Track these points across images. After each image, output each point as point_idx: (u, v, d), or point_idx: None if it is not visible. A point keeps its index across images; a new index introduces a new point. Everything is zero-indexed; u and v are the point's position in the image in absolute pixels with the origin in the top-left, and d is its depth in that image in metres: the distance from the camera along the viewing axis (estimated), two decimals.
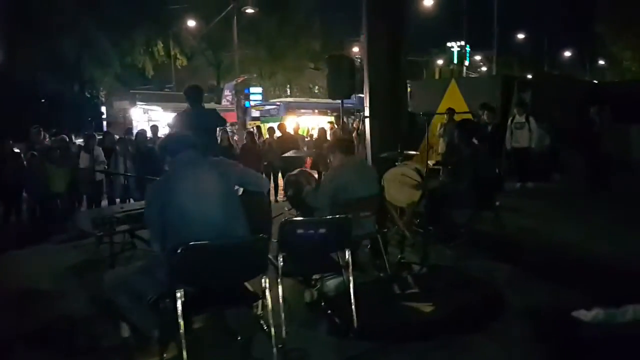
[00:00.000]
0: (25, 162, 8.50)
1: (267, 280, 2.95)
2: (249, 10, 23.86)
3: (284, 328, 3.30)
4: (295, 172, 4.99)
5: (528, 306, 3.89)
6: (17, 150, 8.64)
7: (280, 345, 3.21)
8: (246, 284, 3.05)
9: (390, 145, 6.28)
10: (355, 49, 30.76)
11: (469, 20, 38.87)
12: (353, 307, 3.49)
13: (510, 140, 9.81)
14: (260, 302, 3.62)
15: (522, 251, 5.31)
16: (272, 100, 20.95)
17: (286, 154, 7.16)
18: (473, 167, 5.39)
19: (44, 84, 25.07)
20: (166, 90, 26.17)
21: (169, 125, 6.16)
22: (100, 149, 8.86)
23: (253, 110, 21.65)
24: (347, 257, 3.49)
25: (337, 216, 3.47)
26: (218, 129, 12.18)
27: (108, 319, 3.51)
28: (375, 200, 4.41)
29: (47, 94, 25.56)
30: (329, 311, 3.86)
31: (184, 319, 2.70)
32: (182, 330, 2.67)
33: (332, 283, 4.26)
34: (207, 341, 3.35)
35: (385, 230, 5.07)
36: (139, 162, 8.66)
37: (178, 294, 2.66)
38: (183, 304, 2.68)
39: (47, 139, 9.42)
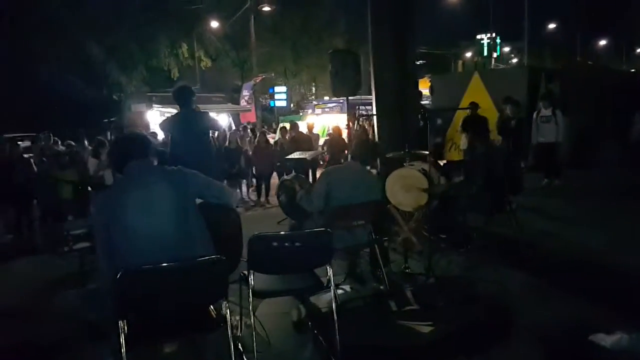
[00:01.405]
0: (35, 168, 8.42)
1: (227, 306, 2.62)
2: (266, 8, 23.61)
3: (255, 354, 2.98)
4: (289, 176, 4.67)
5: (540, 326, 3.46)
6: (27, 155, 8.56)
7: None
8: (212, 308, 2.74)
9: (398, 144, 5.89)
10: None
11: (499, 11, 37.84)
12: (336, 328, 3.12)
13: (536, 135, 9.24)
14: (238, 324, 3.36)
15: (539, 259, 4.84)
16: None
17: (289, 156, 6.83)
18: (486, 166, 4.95)
19: (73, 87, 25.58)
20: None
21: (160, 127, 5.89)
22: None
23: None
24: (329, 274, 3.13)
25: (316, 229, 3.10)
26: (225, 130, 12.11)
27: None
28: (371, 208, 4.03)
29: (76, 96, 26.08)
30: (315, 331, 3.51)
31: (136, 347, 2.42)
32: None
33: (322, 299, 3.90)
34: None
35: (386, 238, 4.68)
36: None
37: (120, 325, 2.36)
38: (132, 332, 2.39)
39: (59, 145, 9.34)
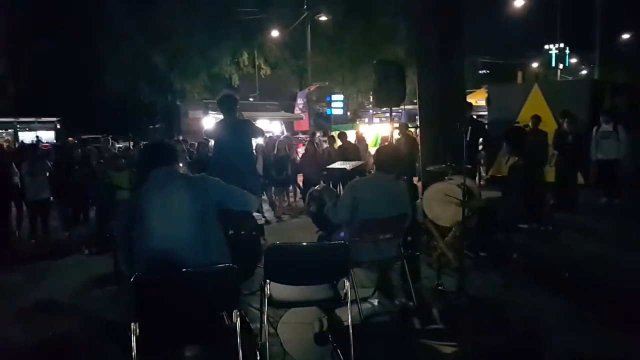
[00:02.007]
0: (93, 170, 8.85)
1: (238, 314, 2.63)
2: (323, 18, 23.84)
3: None
4: (318, 187, 4.66)
5: (569, 353, 3.26)
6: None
7: None
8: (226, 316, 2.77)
9: (440, 157, 5.75)
10: None
11: (569, 20, 36.18)
12: (351, 342, 3.08)
13: (595, 151, 8.77)
14: (260, 331, 3.37)
15: (582, 284, 4.54)
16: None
17: (330, 166, 6.82)
18: (524, 178, 4.74)
19: (141, 94, 26.93)
20: (250, 99, 26.81)
21: (205, 134, 6.06)
22: None
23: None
24: (346, 287, 3.09)
25: (333, 242, 3.07)
26: (275, 137, 12.24)
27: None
28: (399, 222, 3.94)
29: (143, 103, 27.42)
30: (334, 344, 3.47)
31: (146, 351, 2.49)
32: None
33: (346, 312, 3.85)
34: None
35: (418, 253, 4.57)
36: (195, 169, 8.72)
37: (132, 328, 2.43)
38: (145, 336, 2.46)
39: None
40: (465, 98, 7.33)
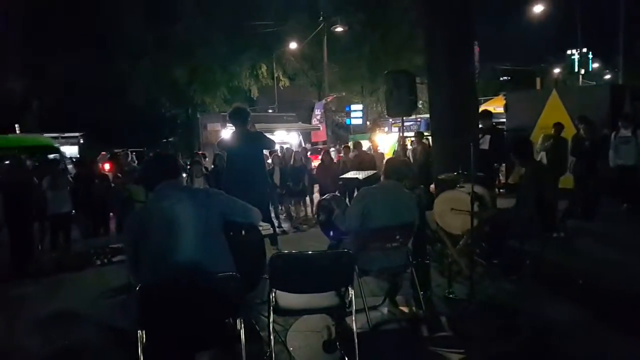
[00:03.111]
0: (112, 183, 9.06)
1: (242, 322, 2.69)
2: (338, 29, 24.03)
3: None
4: (327, 196, 4.71)
5: None
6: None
7: None
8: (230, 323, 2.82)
9: (452, 166, 5.76)
10: None
11: (591, 25, 35.63)
12: (356, 350, 3.10)
13: (614, 157, 8.63)
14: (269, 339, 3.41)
15: (595, 292, 4.47)
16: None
17: (343, 175, 6.86)
18: (537, 187, 4.71)
19: (162, 108, 27.47)
20: (269, 111, 27.11)
21: (218, 146, 6.17)
22: None
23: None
24: (350, 295, 3.13)
25: (337, 250, 3.11)
26: (291, 148, 12.35)
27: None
28: (407, 230, 3.96)
29: (164, 117, 27.95)
30: (342, 351, 3.50)
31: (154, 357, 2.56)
32: None
33: (355, 319, 3.88)
34: None
35: (427, 261, 4.56)
36: (212, 181, 8.85)
37: (139, 335, 2.51)
38: (151, 344, 2.53)
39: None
40: (477, 105, 7.30)
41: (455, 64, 6.09)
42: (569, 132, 9.62)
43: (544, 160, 9.07)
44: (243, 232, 3.20)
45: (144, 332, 2.54)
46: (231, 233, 2.97)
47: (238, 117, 5.52)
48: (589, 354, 3.42)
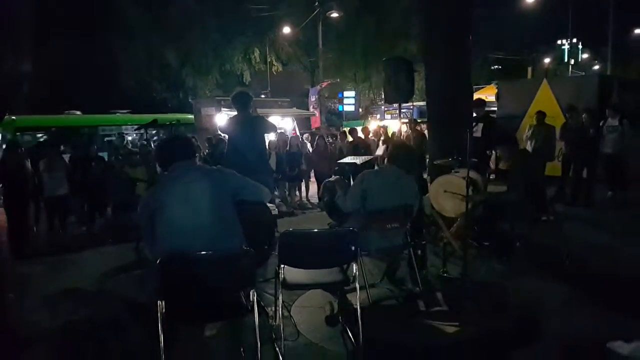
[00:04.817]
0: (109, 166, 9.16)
1: (255, 294, 2.87)
2: (334, 15, 24.05)
3: (282, 343, 3.23)
4: (332, 178, 4.89)
5: (566, 335, 3.46)
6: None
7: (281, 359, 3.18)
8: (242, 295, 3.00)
9: (448, 151, 5.96)
10: None
11: (581, 16, 35.87)
12: (359, 322, 3.30)
13: (602, 146, 8.89)
14: (275, 312, 3.61)
15: (581, 272, 4.74)
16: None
17: (340, 160, 7.04)
18: (524, 173, 4.93)
19: (154, 92, 27.36)
20: (262, 96, 27.09)
21: (220, 130, 6.31)
22: None
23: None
24: (354, 271, 3.32)
25: (342, 228, 3.30)
26: (286, 133, 12.50)
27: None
28: (406, 212, 4.16)
29: (156, 100, 27.82)
30: (345, 325, 3.70)
31: (170, 328, 2.73)
32: (162, 342, 2.68)
33: (356, 295, 4.08)
34: (211, 350, 3.36)
35: (424, 242, 4.78)
36: (212, 164, 8.98)
37: (159, 305, 2.68)
38: (169, 313, 2.71)
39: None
40: (472, 93, 7.49)
41: (454, 53, 6.25)
42: (558, 120, 9.87)
43: (529, 148, 9.32)
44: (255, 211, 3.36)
45: (163, 302, 2.72)
46: (243, 210, 3.14)
47: (241, 101, 5.64)
48: (574, 325, 3.65)
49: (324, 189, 4.99)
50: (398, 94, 6.64)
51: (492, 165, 9.96)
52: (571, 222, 6.37)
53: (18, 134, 13.28)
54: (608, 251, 5.42)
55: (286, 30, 27.34)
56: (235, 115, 5.81)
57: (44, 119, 16.09)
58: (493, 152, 9.47)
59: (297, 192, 10.76)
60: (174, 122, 7.81)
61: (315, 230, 3.34)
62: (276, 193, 10.65)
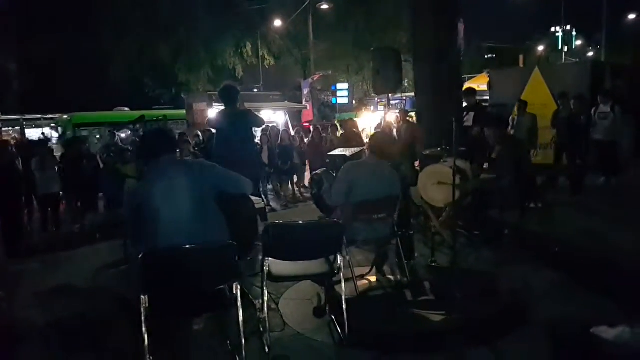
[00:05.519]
0: (101, 163, 9.12)
1: (238, 287, 2.87)
2: (324, 6, 23.95)
3: (268, 334, 3.24)
4: (319, 171, 4.88)
5: (552, 321, 3.46)
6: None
7: (267, 350, 3.18)
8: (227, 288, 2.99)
9: (438, 141, 5.95)
10: None
11: (574, 2, 35.81)
12: (345, 314, 3.31)
13: (593, 132, 8.89)
14: (261, 305, 3.60)
15: (570, 258, 4.72)
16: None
17: (331, 153, 7.01)
18: (513, 159, 4.93)
19: (145, 87, 27.24)
20: (254, 90, 27.00)
21: (209, 124, 6.28)
22: None
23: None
24: (338, 262, 3.32)
25: (326, 220, 3.30)
26: (276, 127, 12.45)
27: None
28: (391, 202, 4.15)
29: (148, 96, 27.70)
30: (332, 316, 3.70)
31: (156, 323, 2.73)
32: (145, 337, 2.68)
33: (344, 286, 4.08)
34: (197, 344, 3.36)
35: (412, 232, 4.78)
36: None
37: (142, 300, 2.68)
38: (151, 308, 2.70)
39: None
40: (461, 82, 7.48)
41: (442, 42, 6.23)
42: (550, 108, 9.86)
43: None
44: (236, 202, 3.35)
45: (146, 297, 2.71)
46: (225, 203, 3.12)
47: (228, 96, 5.62)
48: (561, 310, 3.67)
49: (312, 181, 4.98)
50: (387, 84, 6.64)
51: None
52: (562, 209, 6.37)
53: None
54: (598, 237, 5.42)
55: (277, 23, 27.20)
56: (223, 110, 5.79)
57: (98, 116, 17.23)
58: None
59: (290, 186, 10.74)
60: (161, 117, 7.79)
61: (300, 222, 3.32)
62: (269, 187, 10.66)
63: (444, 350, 3.22)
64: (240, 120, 5.59)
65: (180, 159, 3.42)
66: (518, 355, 3.14)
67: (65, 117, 16.76)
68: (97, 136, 13.87)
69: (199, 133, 11.18)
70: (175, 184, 2.93)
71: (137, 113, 17.94)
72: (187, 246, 2.77)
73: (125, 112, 17.99)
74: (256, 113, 6.20)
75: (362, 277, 4.47)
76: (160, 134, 3.35)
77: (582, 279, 4.22)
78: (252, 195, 3.85)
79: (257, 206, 3.94)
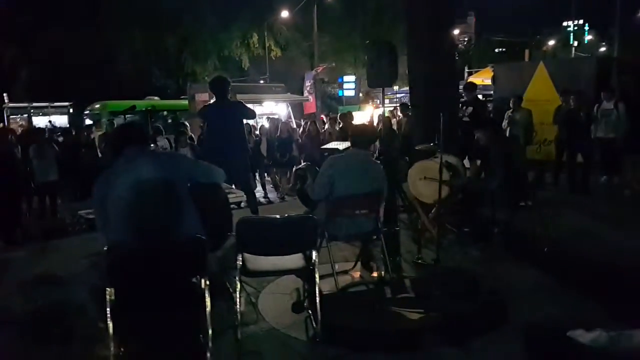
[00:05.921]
0: (99, 152, 9.14)
1: (207, 282, 2.83)
2: None
3: (239, 330, 3.22)
4: (302, 165, 4.83)
5: (530, 322, 3.40)
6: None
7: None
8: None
9: (430, 136, 5.87)
10: (456, 31, 29.26)
11: None
12: (318, 310, 3.27)
13: (595, 129, 8.75)
14: (237, 300, 3.58)
15: (558, 258, 4.65)
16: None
17: (324, 146, 6.96)
18: (504, 159, 4.86)
19: (152, 77, 27.26)
20: (260, 82, 26.94)
21: (198, 116, 6.25)
22: (166, 139, 9.26)
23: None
24: (313, 258, 3.28)
25: (301, 215, 3.26)
26: (277, 119, 12.40)
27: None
28: (375, 198, 4.10)
29: (155, 87, 27.75)
30: (309, 311, 3.67)
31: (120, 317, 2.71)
32: (111, 330, 2.66)
33: (326, 282, 4.04)
34: (167, 338, 3.33)
35: (397, 228, 4.73)
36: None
37: (107, 293, 2.66)
38: (117, 301, 2.69)
39: None
40: (456, 77, 7.38)
41: (436, 34, 6.13)
42: (554, 103, 9.71)
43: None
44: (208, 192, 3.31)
45: (112, 290, 2.69)
46: (196, 193, 3.09)
47: (218, 87, 5.58)
48: (539, 309, 3.62)
49: (295, 176, 4.94)
50: (380, 78, 6.54)
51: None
52: (557, 207, 6.28)
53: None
54: (590, 237, 5.35)
55: (284, 14, 27.07)
56: (213, 102, 5.76)
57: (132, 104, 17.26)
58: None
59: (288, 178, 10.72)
60: (149, 107, 7.81)
61: (273, 216, 3.29)
62: (267, 179, 10.64)
63: (416, 348, 3.19)
64: (230, 112, 5.56)
65: (155, 149, 3.37)
66: (491, 356, 3.09)
67: (97, 105, 17.22)
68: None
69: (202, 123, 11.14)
70: (143, 174, 2.89)
71: (169, 102, 19.31)
72: (152, 239, 2.74)
73: (155, 100, 18.57)
74: (256, 105, 6.17)
75: (345, 272, 4.44)
76: (128, 126, 3.33)
77: (568, 280, 4.16)
78: (233, 186, 3.83)
79: (237, 199, 3.89)
